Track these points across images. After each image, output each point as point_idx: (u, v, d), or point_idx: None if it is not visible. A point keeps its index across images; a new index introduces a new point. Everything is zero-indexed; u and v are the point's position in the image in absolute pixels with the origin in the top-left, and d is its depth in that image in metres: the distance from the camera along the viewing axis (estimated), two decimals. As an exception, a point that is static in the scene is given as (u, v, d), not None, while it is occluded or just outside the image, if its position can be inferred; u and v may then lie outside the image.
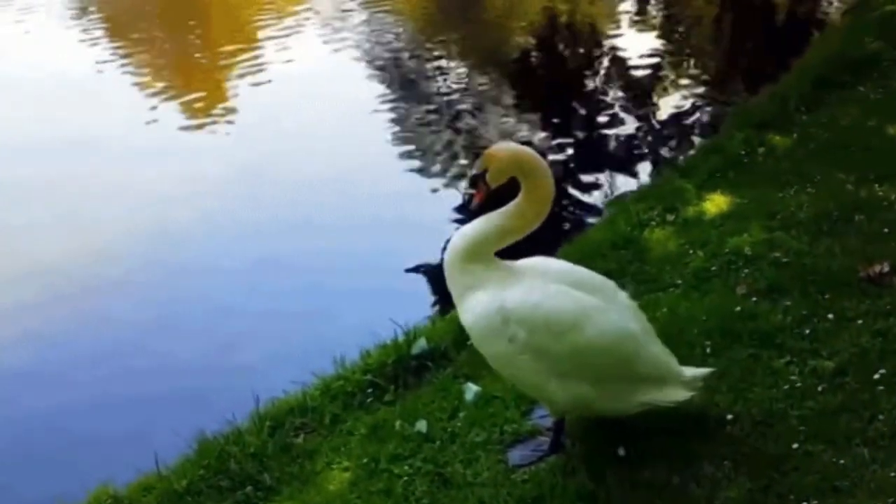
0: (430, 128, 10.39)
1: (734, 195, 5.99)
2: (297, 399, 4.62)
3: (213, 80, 13.03)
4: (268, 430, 4.39)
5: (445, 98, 11.38)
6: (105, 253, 7.76)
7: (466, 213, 6.34)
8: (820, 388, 3.91)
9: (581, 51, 13.73)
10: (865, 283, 4.62)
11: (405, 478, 3.87)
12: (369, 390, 4.59)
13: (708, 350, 4.25)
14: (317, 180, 9.00)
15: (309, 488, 4.00)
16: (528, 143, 8.18)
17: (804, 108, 7.45)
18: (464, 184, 8.58)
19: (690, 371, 3.70)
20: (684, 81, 11.55)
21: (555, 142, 9.60)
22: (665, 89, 11.26)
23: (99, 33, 15.14)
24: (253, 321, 6.65)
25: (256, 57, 13.23)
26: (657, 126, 10.12)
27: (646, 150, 9.55)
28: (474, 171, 3.62)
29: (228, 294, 7.12)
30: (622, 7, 15.57)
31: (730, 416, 3.80)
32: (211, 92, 12.30)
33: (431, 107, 11.11)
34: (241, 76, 12.38)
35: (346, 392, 4.61)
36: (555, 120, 10.40)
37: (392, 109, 10.89)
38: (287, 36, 14.25)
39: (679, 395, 3.61)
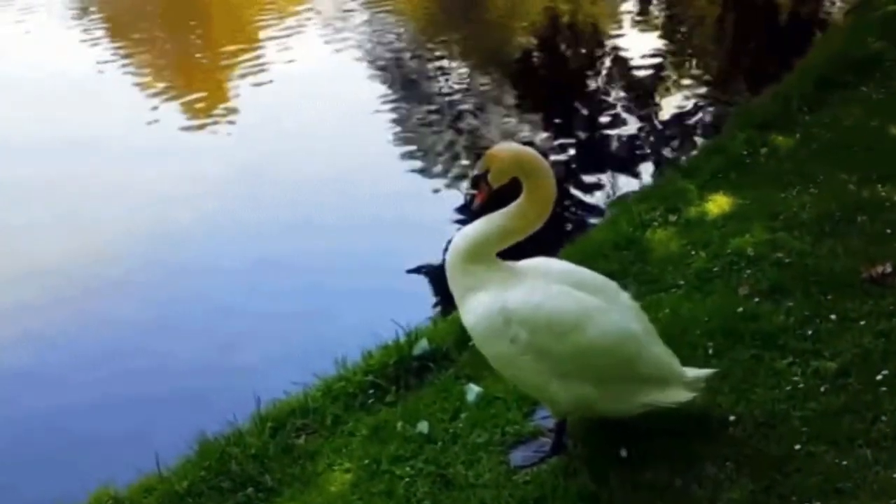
0: (431, 128, 10.39)
1: (736, 196, 5.98)
2: (298, 400, 4.61)
3: (214, 80, 13.03)
4: (269, 431, 4.38)
5: (447, 98, 11.37)
6: (106, 253, 7.76)
7: (468, 213, 6.34)
8: (822, 389, 3.89)
9: (583, 51, 13.72)
10: (868, 284, 4.60)
11: (407, 479, 3.86)
12: (371, 391, 4.58)
13: (710, 351, 4.23)
14: (318, 180, 9.00)
15: (310, 489, 4.00)
16: (530, 144, 8.15)
17: (807, 109, 7.43)
18: (465, 184, 8.58)
19: (693, 372, 3.69)
20: (686, 81, 11.54)
21: (556, 142, 9.59)
22: (667, 89, 11.25)
23: (100, 33, 15.15)
24: (254, 322, 6.64)
25: (257, 57, 13.23)
26: (659, 126, 10.11)
27: (648, 151, 9.54)
28: (476, 172, 3.62)
29: (229, 294, 7.12)
30: (624, 7, 15.56)
31: (732, 417, 3.79)
32: (212, 92, 12.30)
33: (433, 107, 11.10)
34: (242, 76, 12.39)
35: (347, 393, 4.60)
36: (556, 120, 10.39)
37: (394, 109, 10.89)
38: (288, 36, 14.26)
39: (681, 396, 3.60)
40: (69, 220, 8.37)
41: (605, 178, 8.77)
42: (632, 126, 10.07)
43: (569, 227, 7.47)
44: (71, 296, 7.16)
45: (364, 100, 11.09)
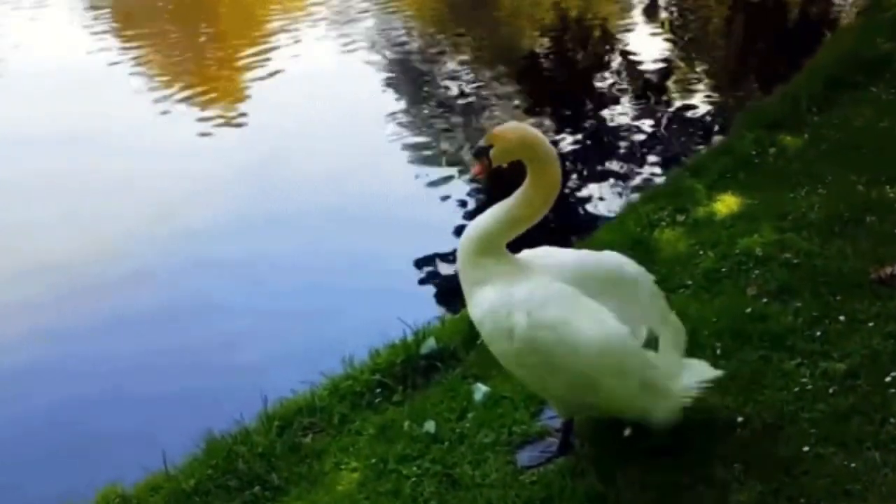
0: (440, 127, 10.38)
1: (745, 196, 5.96)
2: (305, 399, 4.61)
3: (224, 78, 13.06)
4: (276, 429, 4.38)
5: (455, 97, 11.36)
6: (114, 251, 7.77)
7: (476, 213, 6.32)
8: (831, 391, 3.88)
9: (591, 50, 13.70)
10: (877, 285, 4.58)
11: (413, 478, 3.86)
12: (378, 390, 4.58)
13: (718, 352, 4.22)
14: (325, 178, 8.99)
15: (317, 488, 4.00)
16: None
17: (816, 109, 7.40)
18: (474, 185, 8.56)
19: (701, 367, 3.66)
20: (695, 81, 11.53)
21: (565, 141, 9.57)
22: (676, 89, 11.23)
23: (110, 31, 15.20)
24: (261, 320, 6.64)
25: (266, 56, 13.24)
26: (667, 126, 10.09)
27: (656, 150, 9.51)
28: (480, 144, 3.54)
29: (236, 293, 7.12)
30: (633, 5, 15.53)
31: (740, 419, 3.78)
32: (221, 90, 12.32)
33: (442, 106, 11.09)
34: (252, 75, 12.42)
35: (354, 392, 4.60)
36: (565, 119, 10.37)
37: (402, 109, 10.90)
38: (298, 35, 14.29)
39: (664, 412, 3.49)
40: (74, 217, 8.37)
41: (612, 177, 8.75)
42: (640, 125, 10.04)
43: (576, 227, 7.44)
44: (79, 293, 7.17)
45: (373, 99, 11.12)
